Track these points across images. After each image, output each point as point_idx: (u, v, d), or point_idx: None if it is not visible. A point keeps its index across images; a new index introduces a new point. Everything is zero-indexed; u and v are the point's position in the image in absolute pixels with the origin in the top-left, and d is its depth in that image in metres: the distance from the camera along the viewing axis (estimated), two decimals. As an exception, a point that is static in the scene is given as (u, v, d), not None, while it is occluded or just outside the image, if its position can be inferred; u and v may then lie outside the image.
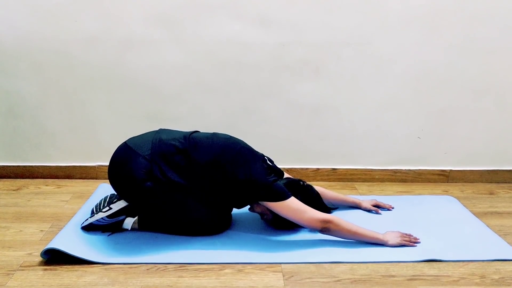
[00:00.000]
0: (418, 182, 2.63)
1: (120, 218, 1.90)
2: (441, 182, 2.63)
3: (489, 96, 2.49)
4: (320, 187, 2.11)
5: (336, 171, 2.61)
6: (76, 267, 1.67)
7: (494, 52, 2.41)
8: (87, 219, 1.91)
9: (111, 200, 1.94)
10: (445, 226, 2.03)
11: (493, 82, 2.46)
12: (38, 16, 2.28)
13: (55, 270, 1.65)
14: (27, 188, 2.42)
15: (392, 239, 1.85)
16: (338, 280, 1.63)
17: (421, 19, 2.34)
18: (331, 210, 2.06)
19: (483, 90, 2.48)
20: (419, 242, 1.87)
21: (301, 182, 1.96)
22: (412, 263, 1.74)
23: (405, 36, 2.37)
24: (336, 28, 2.34)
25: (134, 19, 2.30)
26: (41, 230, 1.95)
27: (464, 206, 2.27)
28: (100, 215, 1.89)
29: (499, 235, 1.97)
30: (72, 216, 2.02)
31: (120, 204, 1.90)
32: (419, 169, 2.62)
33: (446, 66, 2.43)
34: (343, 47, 2.38)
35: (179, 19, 2.31)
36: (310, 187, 1.99)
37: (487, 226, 2.06)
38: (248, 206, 1.98)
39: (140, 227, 1.92)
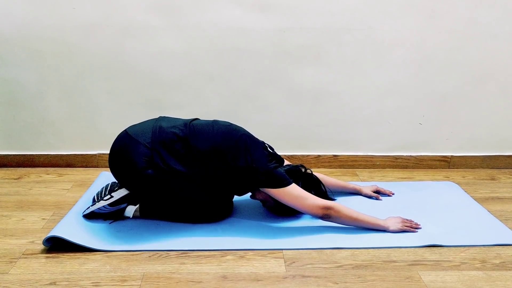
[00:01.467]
0: (419, 168, 2.62)
1: (121, 206, 1.90)
2: (442, 168, 2.63)
3: (491, 81, 2.48)
4: (320, 174, 2.11)
5: (337, 157, 2.60)
6: (78, 254, 1.68)
7: (496, 37, 2.39)
8: (89, 207, 1.91)
9: (112, 188, 1.94)
10: (446, 211, 2.03)
11: (494, 67, 2.45)
12: (36, 3, 2.26)
13: (58, 257, 1.66)
14: (28, 177, 2.42)
15: (393, 225, 1.85)
16: (340, 266, 1.64)
17: (422, 3, 2.32)
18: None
19: (484, 75, 2.47)
20: (420, 228, 1.87)
21: (303, 169, 1.96)
22: (413, 248, 1.75)
23: (406, 21, 2.35)
24: (336, 14, 2.32)
25: (133, 6, 2.28)
26: (43, 219, 1.96)
27: (465, 191, 2.27)
28: (102, 204, 1.89)
29: (500, 220, 1.97)
30: (74, 204, 2.03)
31: (121, 192, 1.91)
32: (420, 155, 2.61)
33: (448, 51, 2.41)
34: (343, 33, 2.36)
35: (178, 6, 2.29)
36: (311, 173, 1.99)
37: (488, 211, 2.06)
38: (250, 193, 1.98)
39: (141, 215, 1.92)
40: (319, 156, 2.60)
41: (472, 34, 2.38)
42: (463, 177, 2.51)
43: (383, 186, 2.25)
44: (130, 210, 1.91)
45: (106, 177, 2.29)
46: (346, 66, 2.42)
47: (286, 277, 1.57)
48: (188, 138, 1.81)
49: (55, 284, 1.51)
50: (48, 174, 2.47)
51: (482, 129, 2.57)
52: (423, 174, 2.54)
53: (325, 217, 1.80)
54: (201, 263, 1.64)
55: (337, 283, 1.54)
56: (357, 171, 2.59)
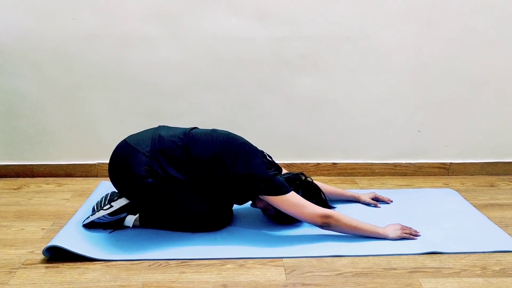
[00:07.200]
0: (419, 175, 2.63)
1: (121, 216, 1.90)
2: (441, 175, 2.63)
3: (489, 88, 2.49)
4: (318, 182, 2.10)
5: (337, 165, 2.61)
6: (78, 264, 1.67)
7: (493, 44, 2.40)
8: (88, 217, 1.91)
9: (112, 197, 1.94)
10: (445, 218, 2.03)
11: (492, 74, 2.46)
12: (36, 14, 2.28)
13: (57, 267, 1.66)
14: (28, 187, 2.42)
15: (393, 232, 1.85)
16: (340, 274, 1.63)
17: (420, 11, 2.34)
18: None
19: (482, 82, 2.48)
20: (419, 235, 1.87)
21: (303, 177, 1.96)
22: (413, 255, 1.74)
23: (403, 29, 2.37)
24: (334, 22, 2.34)
25: (132, 16, 2.30)
26: (43, 228, 1.96)
27: (464, 198, 2.27)
28: (101, 213, 1.89)
29: (500, 227, 1.97)
30: (73, 214, 2.03)
31: (121, 202, 1.91)
32: (419, 163, 2.62)
33: (445, 59, 2.42)
34: (342, 41, 2.37)
35: (177, 15, 2.31)
36: (312, 181, 1.99)
37: (488, 218, 2.06)
38: (250, 202, 1.98)
39: (141, 224, 1.92)
40: (318, 164, 2.61)
41: (469, 41, 2.39)
42: (462, 184, 2.51)
43: (382, 193, 2.25)
44: (130, 219, 1.91)
45: (105, 186, 2.29)
46: (344, 74, 2.44)
47: (286, 285, 1.56)
48: (187, 147, 1.81)
49: (55, 294, 1.52)
50: (47, 184, 2.47)
51: (481, 136, 2.58)
52: (422, 181, 2.54)
53: (324, 225, 1.80)
54: (201, 272, 1.64)
55: (338, 291, 1.54)
56: (356, 179, 2.59)
